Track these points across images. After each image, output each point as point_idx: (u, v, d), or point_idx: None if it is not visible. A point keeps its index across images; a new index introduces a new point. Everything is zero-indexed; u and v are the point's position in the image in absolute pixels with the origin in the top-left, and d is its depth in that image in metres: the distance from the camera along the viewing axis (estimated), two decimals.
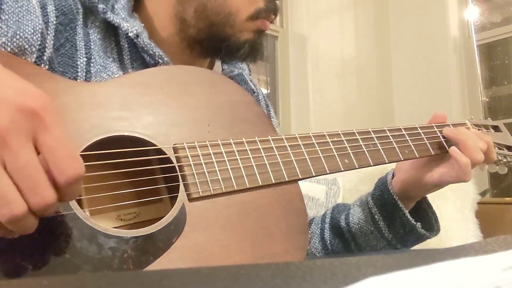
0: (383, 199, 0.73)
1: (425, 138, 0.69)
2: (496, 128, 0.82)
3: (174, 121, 0.52)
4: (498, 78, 2.68)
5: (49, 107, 0.36)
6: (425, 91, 2.59)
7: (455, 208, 1.57)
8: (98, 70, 0.58)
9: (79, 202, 0.45)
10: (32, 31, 0.51)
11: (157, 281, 0.22)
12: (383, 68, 2.77)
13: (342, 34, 2.60)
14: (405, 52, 2.73)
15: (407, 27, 2.74)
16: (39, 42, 0.51)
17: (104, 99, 0.50)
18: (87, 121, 0.47)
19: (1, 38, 0.48)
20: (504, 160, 0.77)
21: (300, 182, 0.57)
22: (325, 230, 0.79)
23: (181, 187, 0.48)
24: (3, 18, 0.49)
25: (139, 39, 0.60)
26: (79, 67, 0.56)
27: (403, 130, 0.68)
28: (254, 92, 0.79)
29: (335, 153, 0.60)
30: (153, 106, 0.52)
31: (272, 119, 0.77)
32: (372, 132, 0.65)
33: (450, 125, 0.73)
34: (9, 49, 0.48)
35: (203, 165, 0.50)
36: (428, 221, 0.75)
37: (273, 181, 0.53)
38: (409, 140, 0.67)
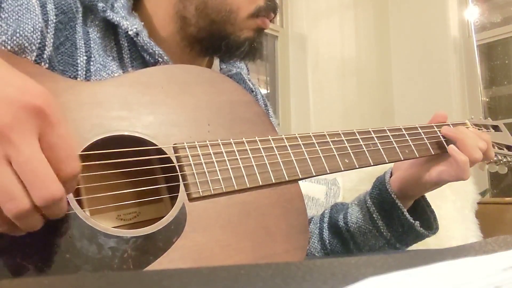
0: (381, 198, 0.73)
1: (425, 138, 0.69)
2: (496, 128, 0.82)
3: (175, 121, 0.52)
4: (498, 78, 2.68)
5: (53, 105, 0.36)
6: (425, 91, 2.59)
7: (455, 208, 1.57)
8: (98, 68, 0.58)
9: (79, 202, 0.45)
10: (32, 29, 0.51)
11: (157, 281, 0.22)
12: (383, 68, 2.77)
13: (342, 34, 2.59)
14: (405, 52, 2.73)
15: (407, 27, 2.74)
16: (39, 41, 0.51)
17: (104, 99, 0.49)
18: (87, 121, 0.47)
19: (1, 37, 0.48)
20: (504, 160, 0.77)
21: (300, 182, 0.57)
22: (324, 230, 0.79)
23: (181, 187, 0.48)
24: (3, 16, 0.49)
25: (138, 38, 0.60)
26: (79, 65, 0.57)
27: (403, 130, 0.68)
28: (252, 91, 0.79)
29: (335, 153, 0.60)
30: (154, 105, 0.52)
31: (271, 119, 0.77)
32: (372, 132, 0.65)
33: (450, 125, 0.73)
34: (9, 47, 0.48)
35: (204, 165, 0.50)
36: (426, 219, 0.75)
37: (274, 181, 0.53)
38: (409, 140, 0.67)
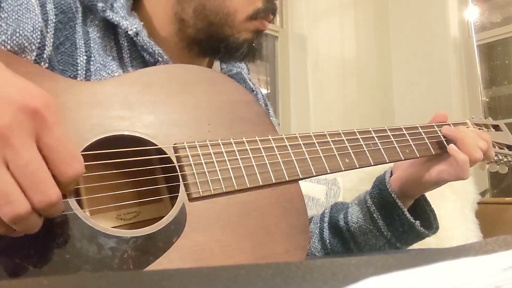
0: (381, 197, 0.73)
1: (425, 138, 0.69)
2: (496, 128, 0.82)
3: (175, 121, 0.52)
4: (498, 78, 2.68)
5: (51, 106, 0.36)
6: (425, 91, 2.59)
7: (455, 208, 1.57)
8: (98, 68, 0.58)
9: (79, 202, 0.45)
10: (32, 29, 0.51)
11: (157, 281, 0.22)
12: (383, 68, 2.77)
13: (342, 34, 2.59)
14: (405, 52, 2.73)
15: (407, 27, 2.74)
16: (38, 40, 0.51)
17: (105, 98, 0.49)
18: (87, 121, 0.47)
19: (1, 36, 0.48)
20: (505, 159, 0.77)
21: (300, 182, 0.57)
22: (324, 230, 0.79)
23: (181, 187, 0.48)
24: (3, 16, 0.49)
25: (138, 38, 0.60)
26: (79, 65, 0.57)
27: (403, 129, 0.68)
28: (253, 91, 0.79)
29: (336, 153, 0.60)
30: (154, 105, 0.52)
31: (271, 119, 0.77)
32: (372, 132, 0.65)
33: (451, 125, 0.73)
34: (8, 47, 0.48)
35: (204, 164, 0.50)
36: (426, 218, 0.75)
37: (274, 181, 0.53)
38: (409, 140, 0.67)
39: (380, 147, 0.64)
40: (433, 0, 2.63)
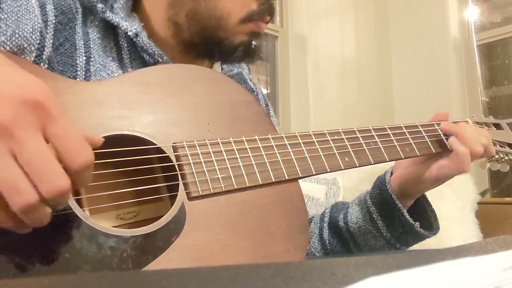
0: (381, 198, 0.72)
1: (426, 136, 0.68)
2: (497, 126, 0.82)
3: (174, 120, 0.52)
4: (498, 78, 2.68)
5: (52, 98, 0.37)
6: (425, 91, 2.59)
7: (455, 208, 1.57)
8: (98, 69, 0.58)
9: (79, 201, 0.45)
10: (31, 30, 0.51)
11: (157, 281, 0.22)
12: (383, 68, 2.77)
13: (342, 34, 2.59)
14: (405, 52, 2.73)
15: (407, 27, 2.73)
16: (38, 41, 0.51)
17: (104, 98, 0.49)
18: (87, 120, 0.47)
19: (0, 37, 0.48)
20: (506, 158, 0.77)
21: (300, 182, 0.57)
22: (324, 230, 0.79)
23: (181, 186, 0.48)
24: (2, 17, 0.49)
25: (138, 38, 0.60)
26: (78, 66, 0.57)
27: (403, 128, 0.68)
28: (253, 91, 0.79)
29: (336, 151, 0.59)
30: (153, 105, 0.52)
31: (272, 118, 0.77)
32: (372, 130, 0.64)
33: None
34: (8, 48, 0.48)
35: (203, 164, 0.50)
36: (427, 219, 0.74)
37: (273, 180, 0.53)
38: (409, 138, 0.67)
39: (380, 145, 0.64)
40: (433, 0, 2.63)
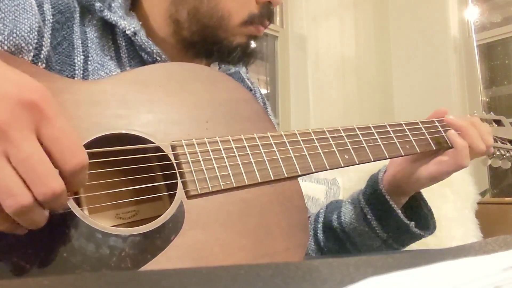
0: (374, 198, 0.71)
1: (426, 133, 0.68)
2: (499, 123, 0.81)
3: (173, 119, 0.52)
4: (498, 78, 2.68)
5: (49, 99, 0.36)
6: (425, 91, 2.59)
7: (455, 208, 1.57)
8: (96, 68, 0.58)
9: (78, 200, 0.45)
10: (29, 29, 0.51)
11: (156, 281, 0.22)
12: (383, 68, 2.77)
13: (342, 34, 2.59)
14: (405, 52, 2.73)
15: (407, 27, 2.74)
16: (35, 41, 0.51)
17: (102, 97, 0.49)
18: (85, 120, 0.47)
19: None
20: (507, 154, 0.77)
21: (300, 182, 0.57)
22: (318, 230, 0.78)
23: (179, 185, 0.48)
24: (0, 16, 0.49)
25: (136, 37, 0.60)
26: (76, 65, 0.57)
27: (404, 125, 0.67)
28: (251, 90, 0.79)
29: (335, 149, 0.59)
30: (152, 103, 0.52)
31: (270, 118, 0.77)
32: (372, 128, 0.64)
33: None
34: (5, 47, 0.48)
35: (201, 162, 0.50)
36: (424, 217, 0.73)
37: (272, 178, 0.53)
38: (410, 135, 0.66)
39: (380, 143, 0.63)
40: (433, 0, 2.63)
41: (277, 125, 0.71)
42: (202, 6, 0.61)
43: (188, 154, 0.50)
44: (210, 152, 0.51)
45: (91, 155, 0.44)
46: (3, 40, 0.48)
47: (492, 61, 2.70)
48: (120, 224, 0.51)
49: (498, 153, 0.76)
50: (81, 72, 0.57)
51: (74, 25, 0.59)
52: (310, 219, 0.83)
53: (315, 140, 0.58)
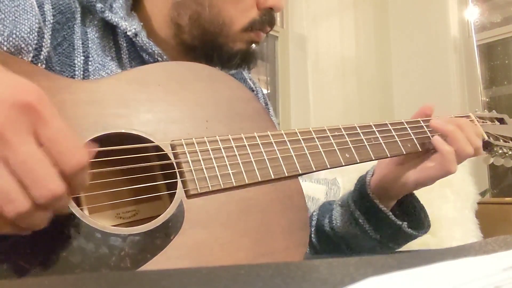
0: (363, 202, 0.70)
1: (427, 131, 0.67)
2: (501, 121, 0.81)
3: (173, 118, 0.52)
4: (498, 78, 2.68)
5: (44, 100, 0.35)
6: (425, 91, 2.59)
7: (455, 208, 1.57)
8: (97, 68, 0.58)
9: (77, 200, 0.45)
10: (29, 30, 0.51)
11: (156, 281, 0.22)
12: (383, 68, 2.77)
13: (342, 34, 2.59)
14: (405, 52, 2.73)
15: (407, 27, 2.73)
16: (35, 41, 0.51)
17: (101, 97, 0.49)
18: (84, 119, 0.47)
19: None
20: (510, 152, 0.76)
21: (300, 182, 0.57)
22: (312, 234, 0.78)
23: (179, 184, 0.48)
24: (0, 17, 0.49)
25: (137, 38, 0.60)
26: (76, 65, 0.57)
27: (405, 123, 0.67)
28: (253, 91, 0.79)
29: (336, 148, 0.59)
30: (151, 103, 0.52)
31: (271, 118, 0.77)
32: (373, 126, 0.64)
33: (453, 116, 0.72)
34: (5, 48, 0.48)
35: (201, 161, 0.50)
36: (417, 216, 0.72)
37: (273, 177, 0.53)
38: (411, 134, 0.66)
39: (381, 141, 0.63)
40: (433, 0, 2.63)
41: (277, 125, 0.71)
42: (204, 12, 0.61)
43: (188, 154, 0.50)
44: (210, 151, 0.51)
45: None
46: (2, 41, 0.48)
47: (492, 61, 2.70)
48: (120, 224, 0.51)
49: (500, 151, 0.75)
50: (81, 72, 0.57)
51: (75, 26, 0.59)
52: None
53: (316, 139, 0.58)
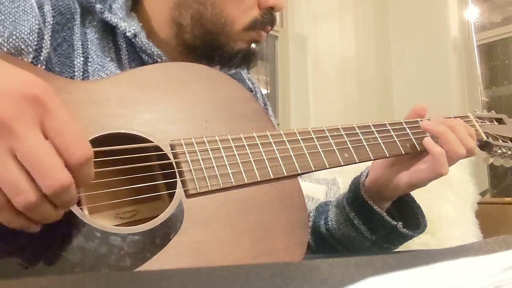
0: (358, 203, 0.70)
1: (426, 132, 0.68)
2: (500, 121, 0.81)
3: (172, 118, 0.52)
4: (498, 78, 2.68)
5: (51, 93, 0.36)
6: (425, 91, 2.59)
7: (455, 208, 1.57)
8: (96, 69, 0.58)
9: (77, 200, 0.45)
10: (29, 31, 0.51)
11: (156, 281, 0.22)
12: (383, 68, 2.77)
13: (342, 34, 2.59)
14: (405, 52, 2.73)
15: (407, 27, 2.73)
16: (35, 42, 0.51)
17: (100, 97, 0.49)
18: (84, 119, 0.47)
19: None
20: (509, 152, 0.76)
21: (299, 182, 0.57)
22: (308, 235, 0.78)
23: (178, 184, 0.48)
24: (0, 18, 0.49)
25: (137, 39, 0.60)
26: (76, 66, 0.57)
27: (404, 123, 0.67)
28: (252, 91, 0.79)
29: (335, 148, 0.59)
30: (150, 103, 0.52)
31: (270, 118, 0.77)
32: (372, 126, 0.64)
33: (452, 117, 0.72)
34: (5, 49, 0.48)
35: (201, 161, 0.50)
36: (413, 216, 0.72)
37: (272, 177, 0.53)
38: (410, 134, 0.66)
39: (380, 141, 0.63)
40: (433, 0, 2.63)
41: (277, 125, 0.71)
42: (206, 11, 0.61)
43: (187, 153, 0.50)
44: (209, 151, 0.51)
45: None
46: (2, 42, 0.48)
47: (492, 61, 2.70)
48: (120, 224, 0.51)
49: (499, 151, 0.75)
50: (81, 73, 0.57)
51: (74, 27, 0.59)
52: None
53: (315, 139, 0.58)
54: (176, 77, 0.55)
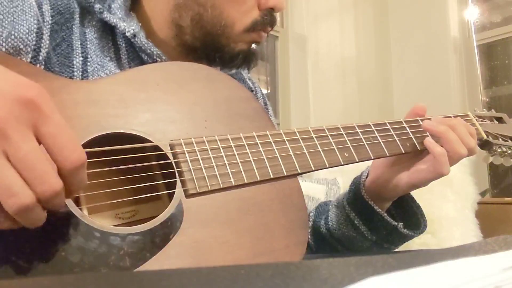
0: (358, 203, 0.70)
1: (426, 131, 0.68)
2: (500, 120, 0.81)
3: (171, 118, 0.52)
4: (498, 78, 2.68)
5: (45, 96, 0.36)
6: (425, 91, 2.59)
7: (455, 208, 1.57)
8: (96, 69, 0.58)
9: (77, 200, 0.45)
10: (27, 31, 0.51)
11: (156, 281, 0.22)
12: (383, 68, 2.77)
13: (342, 34, 2.59)
14: (405, 52, 2.73)
15: (407, 27, 2.73)
16: (34, 42, 0.51)
17: (100, 97, 0.49)
18: (83, 119, 0.47)
19: None
20: (509, 151, 0.76)
21: (300, 182, 0.57)
22: (308, 235, 0.78)
23: (178, 183, 0.48)
24: None
25: (136, 39, 0.60)
26: (75, 66, 0.56)
27: (404, 122, 0.67)
28: (252, 91, 0.79)
29: (335, 147, 0.59)
30: (150, 103, 0.52)
31: (270, 118, 0.77)
32: (372, 125, 0.64)
33: (452, 117, 0.71)
34: (4, 49, 0.48)
35: (200, 161, 0.50)
36: (413, 216, 0.72)
37: (272, 176, 0.53)
38: (410, 133, 0.66)
39: (380, 140, 0.63)
40: (433, 0, 2.63)
41: (277, 125, 0.71)
42: (206, 13, 0.61)
43: (186, 153, 0.50)
44: (209, 151, 0.51)
45: (89, 155, 0.44)
46: (1, 42, 0.48)
47: (492, 61, 2.70)
48: (119, 224, 0.51)
49: (499, 150, 0.75)
50: (80, 73, 0.57)
51: (73, 26, 0.59)
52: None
53: (315, 139, 0.58)
54: (176, 77, 0.55)
